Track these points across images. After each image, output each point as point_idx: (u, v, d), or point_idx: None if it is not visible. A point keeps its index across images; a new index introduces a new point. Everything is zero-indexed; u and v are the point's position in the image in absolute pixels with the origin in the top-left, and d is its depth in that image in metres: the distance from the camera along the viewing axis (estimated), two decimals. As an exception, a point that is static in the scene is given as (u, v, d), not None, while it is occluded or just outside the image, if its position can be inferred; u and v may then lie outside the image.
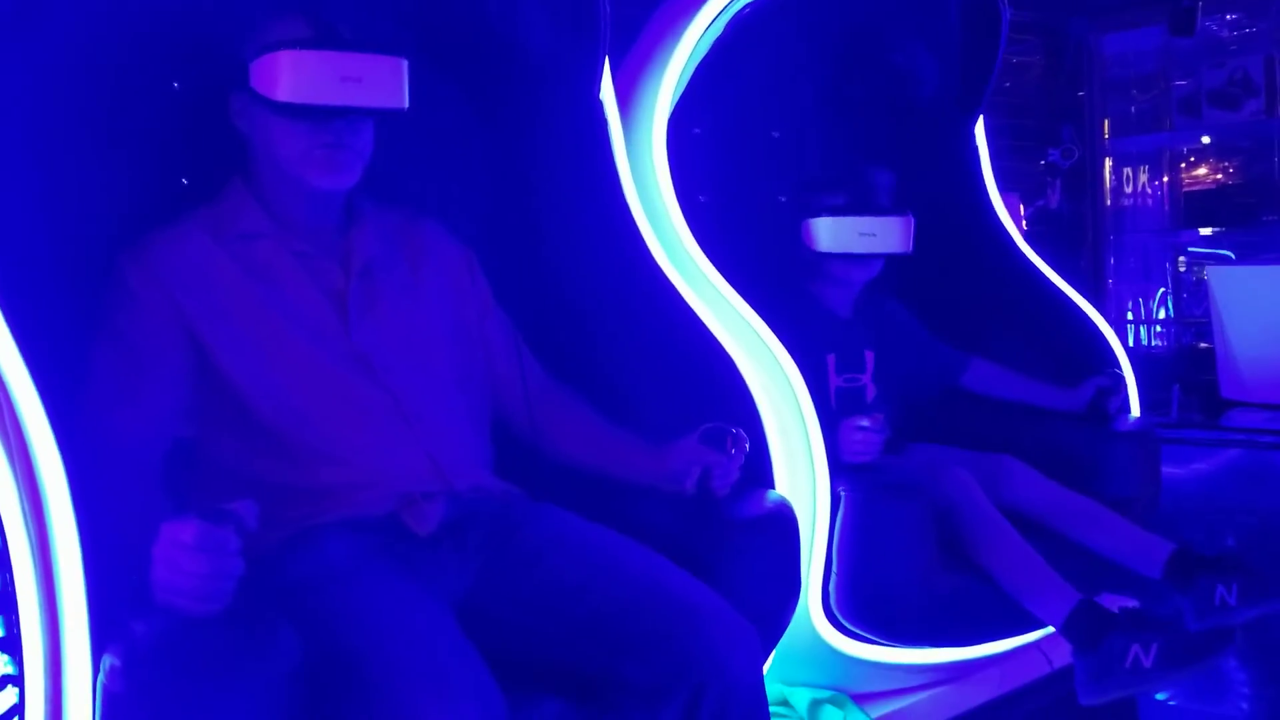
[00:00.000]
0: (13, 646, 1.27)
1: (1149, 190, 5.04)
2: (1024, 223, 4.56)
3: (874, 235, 2.14)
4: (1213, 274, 3.24)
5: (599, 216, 1.82)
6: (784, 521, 1.59)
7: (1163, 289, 4.86)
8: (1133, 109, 4.90)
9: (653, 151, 1.92)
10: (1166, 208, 4.95)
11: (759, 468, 1.69)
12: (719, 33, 2.03)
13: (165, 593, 1.08)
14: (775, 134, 2.52)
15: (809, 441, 1.81)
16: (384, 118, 1.45)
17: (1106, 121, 4.86)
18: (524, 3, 1.75)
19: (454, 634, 1.23)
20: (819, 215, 2.15)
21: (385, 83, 1.41)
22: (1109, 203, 4.90)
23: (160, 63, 1.57)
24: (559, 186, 1.83)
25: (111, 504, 1.16)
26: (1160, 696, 2.49)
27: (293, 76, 1.37)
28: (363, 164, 1.47)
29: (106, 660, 1.04)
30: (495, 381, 1.65)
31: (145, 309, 1.39)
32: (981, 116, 2.63)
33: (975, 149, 2.62)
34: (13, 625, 1.14)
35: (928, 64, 2.58)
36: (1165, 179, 4.96)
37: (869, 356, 2.30)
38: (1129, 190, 5.03)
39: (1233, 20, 4.57)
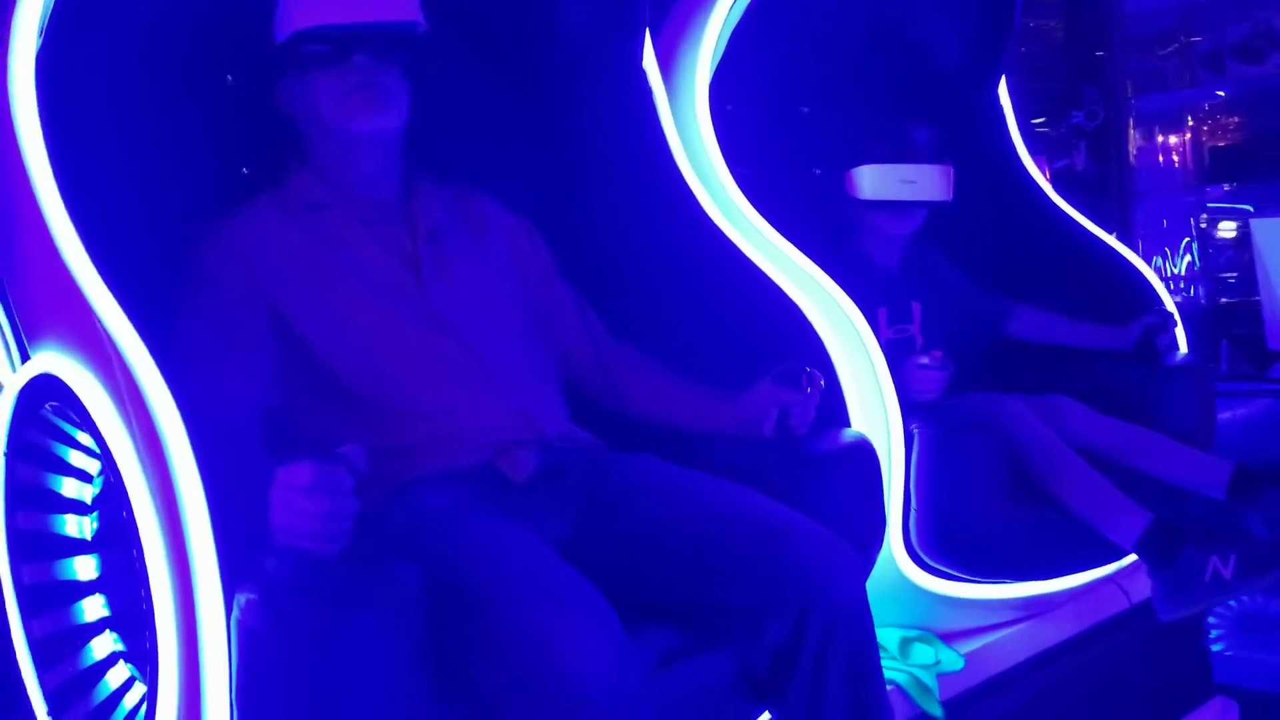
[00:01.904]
0: (124, 624, 1.32)
1: (1173, 148, 5.05)
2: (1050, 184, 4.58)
3: (915, 183, 2.20)
4: (1256, 226, 3.24)
5: (653, 181, 1.85)
6: (865, 453, 1.61)
7: (1189, 238, 4.86)
8: (1155, 67, 4.90)
9: (697, 116, 1.96)
10: (1191, 164, 4.95)
11: (834, 408, 1.71)
12: (746, 4, 2.07)
13: (286, 534, 1.11)
14: (805, 109, 2.56)
15: (879, 381, 1.83)
16: (409, 33, 1.49)
17: (1129, 81, 4.87)
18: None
19: (565, 564, 1.26)
20: (862, 164, 2.18)
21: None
22: (1133, 161, 4.90)
23: (214, 58, 1.63)
24: (610, 155, 1.87)
25: (213, 469, 1.20)
26: (1218, 648, 2.50)
27: (298, 5, 1.45)
28: (400, 106, 1.52)
29: (241, 597, 1.08)
30: (564, 345, 1.68)
31: (226, 286, 1.43)
32: (1004, 78, 2.68)
33: (1000, 110, 2.66)
34: (138, 599, 1.19)
35: (948, 31, 2.61)
36: (1188, 136, 4.96)
37: (916, 308, 2.33)
38: (1153, 148, 5.03)
39: (1255, -29, 4.57)
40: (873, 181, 2.19)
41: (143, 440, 1.14)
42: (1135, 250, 4.89)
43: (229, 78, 1.62)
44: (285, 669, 1.07)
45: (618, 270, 1.84)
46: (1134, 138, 4.91)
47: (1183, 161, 5.01)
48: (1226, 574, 1.76)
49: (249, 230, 1.47)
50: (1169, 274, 4.81)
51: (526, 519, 1.39)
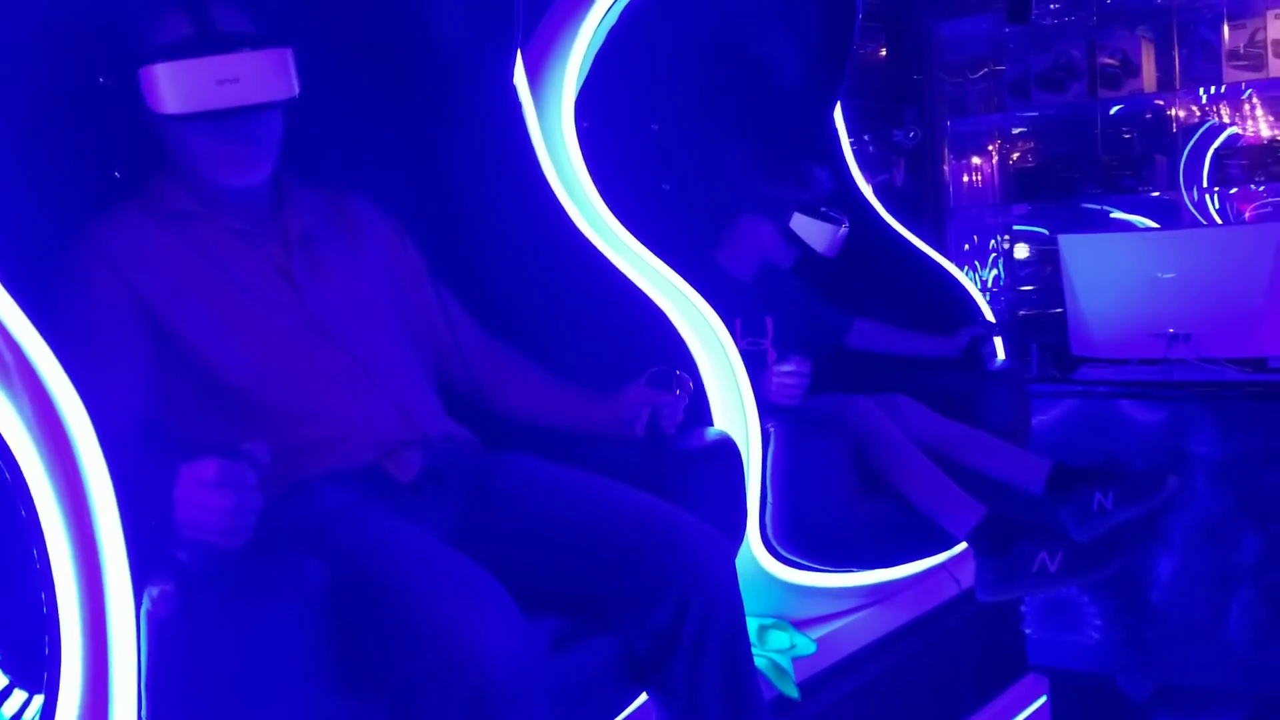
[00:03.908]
0: None
1: (982, 167, 5.41)
2: (870, 200, 4.86)
3: (839, 244, 2.45)
4: (1064, 241, 3.54)
5: (521, 190, 1.92)
6: (728, 450, 1.73)
7: (994, 253, 5.22)
8: (967, 91, 5.24)
9: (563, 130, 2.04)
10: (997, 184, 5.33)
11: (698, 409, 1.81)
12: (613, 21, 2.16)
13: (192, 529, 1.13)
14: (655, 126, 2.66)
15: (738, 384, 1.94)
16: (280, 108, 1.46)
17: (945, 103, 5.20)
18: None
19: (461, 555, 1.32)
20: (807, 212, 2.40)
21: (267, 76, 1.41)
22: (947, 179, 5.24)
23: (88, 59, 1.60)
24: (480, 165, 1.93)
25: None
26: (1026, 630, 2.75)
27: (170, 88, 1.39)
28: (273, 155, 1.52)
29: (151, 590, 1.09)
30: (435, 345, 1.72)
31: (98, 294, 1.42)
32: (839, 102, 2.86)
33: (836, 131, 2.84)
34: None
35: (789, 53, 2.77)
36: (995, 158, 5.33)
37: (769, 322, 2.47)
38: (965, 167, 5.38)
39: (1056, 9, 4.94)
40: (822, 236, 2.42)
41: (44, 436, 1.13)
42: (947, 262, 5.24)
43: (100, 79, 1.59)
44: (195, 660, 1.09)
45: (488, 277, 1.90)
46: (949, 156, 5.25)
47: (989, 181, 5.38)
48: (1052, 568, 1.96)
49: (118, 237, 1.46)
50: (977, 285, 5.16)
51: (413, 517, 1.44)
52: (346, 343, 1.53)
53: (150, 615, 1.09)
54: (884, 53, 4.96)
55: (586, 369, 1.81)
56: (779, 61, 2.77)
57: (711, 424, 1.84)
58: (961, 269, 5.14)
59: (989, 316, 2.73)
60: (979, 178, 5.41)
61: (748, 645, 1.50)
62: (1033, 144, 5.29)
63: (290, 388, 1.47)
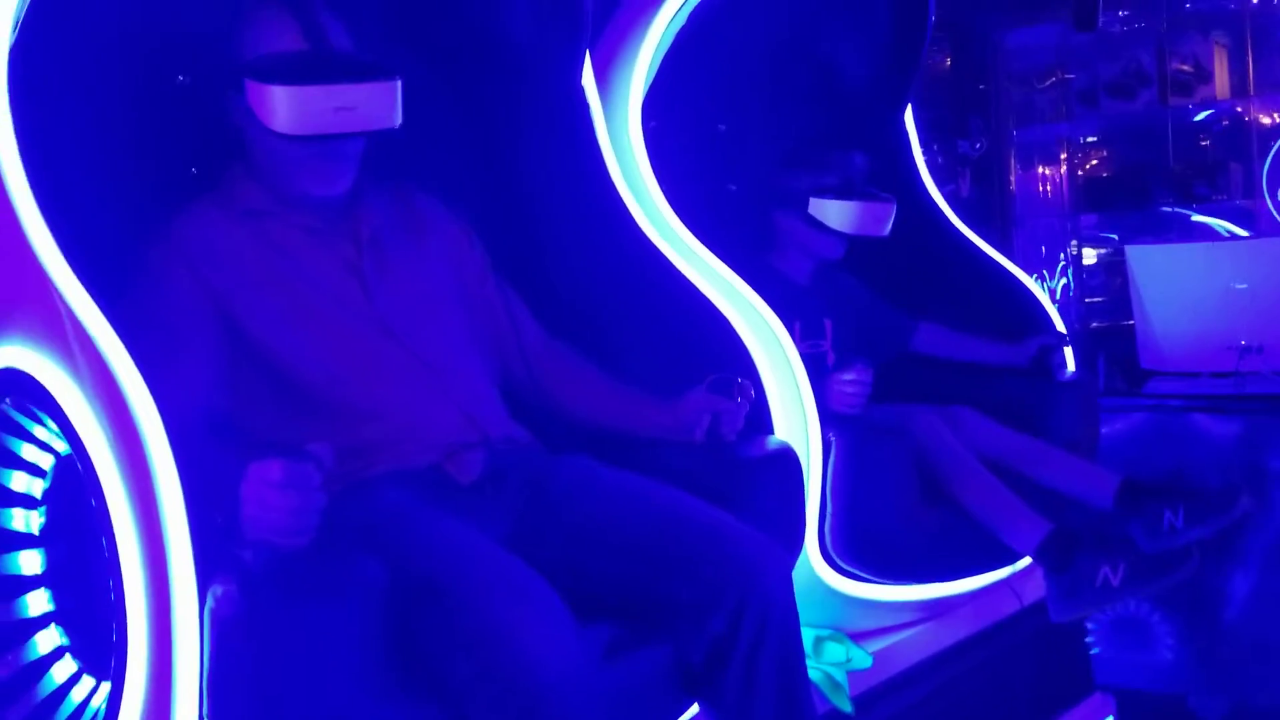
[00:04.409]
0: (70, 619, 1.32)
1: (1050, 177, 5.33)
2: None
3: (876, 220, 2.37)
4: (1132, 252, 3.47)
5: (587, 192, 1.92)
6: (789, 459, 1.71)
7: (1063, 261, 5.13)
8: (1034, 100, 5.17)
9: (629, 133, 2.04)
10: (1066, 193, 5.24)
11: (759, 417, 1.80)
12: (682, 23, 2.15)
13: (256, 528, 1.14)
14: (722, 127, 2.65)
15: (800, 391, 1.92)
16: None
17: (1011, 113, 5.13)
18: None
19: (517, 559, 1.31)
20: (821, 195, 2.33)
21: (380, 107, 1.44)
22: (1014, 189, 5.16)
23: (167, 57, 1.63)
24: (548, 166, 1.93)
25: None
26: (1095, 651, 2.69)
27: (288, 110, 1.40)
28: (356, 167, 1.55)
29: (215, 589, 1.10)
30: (498, 343, 1.73)
31: (174, 288, 1.44)
32: (910, 105, 2.82)
33: (905, 135, 2.80)
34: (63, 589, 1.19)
35: (859, 55, 2.74)
36: (1064, 166, 5.25)
37: (828, 325, 2.44)
38: (1032, 177, 5.31)
39: (1125, 16, 4.85)
40: (843, 215, 2.33)
41: (116, 432, 1.15)
42: (1014, 271, 5.16)
43: (180, 78, 1.62)
44: (258, 658, 1.10)
45: (553, 277, 1.90)
46: (1016, 166, 5.17)
47: (1058, 190, 5.30)
48: (1115, 582, 1.92)
49: (195, 233, 1.48)
50: (1047, 295, 5.07)
51: (471, 519, 1.44)
52: (412, 342, 1.54)
53: (214, 613, 1.10)
54: (949, 62, 4.90)
55: (648, 372, 1.81)
56: (848, 63, 2.74)
57: (773, 432, 1.82)
58: (1039, 278, 5.10)
59: (1059, 326, 2.67)
60: (1047, 188, 5.33)
61: (802, 658, 1.48)
62: (1102, 153, 5.20)
63: (356, 386, 1.48)
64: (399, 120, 1.46)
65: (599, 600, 1.46)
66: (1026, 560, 2.16)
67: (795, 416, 1.92)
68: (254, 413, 1.47)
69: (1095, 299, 4.96)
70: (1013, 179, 5.20)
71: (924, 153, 4.73)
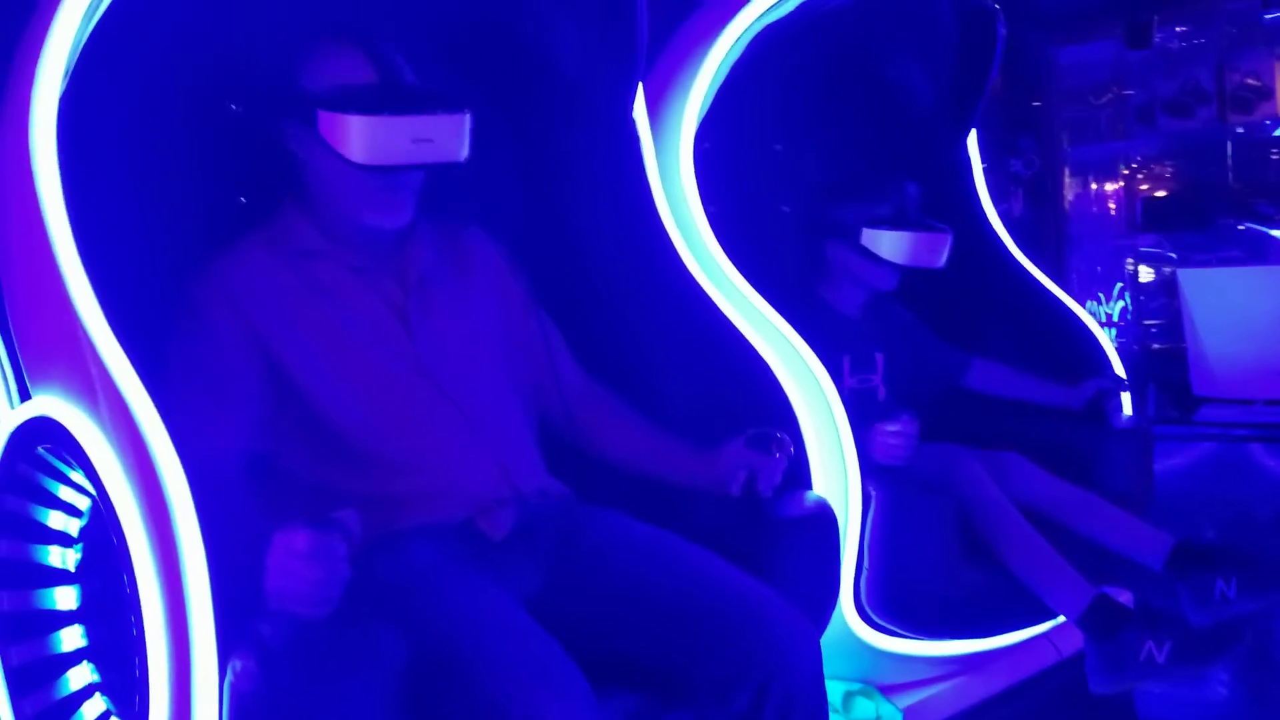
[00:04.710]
0: (102, 656, 1.31)
1: (1106, 196, 5.22)
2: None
3: (930, 250, 2.29)
4: (1183, 276, 3.38)
5: (634, 230, 1.88)
6: (825, 520, 1.66)
7: (1121, 284, 5.02)
8: (1089, 118, 5.06)
9: (680, 167, 1.99)
10: (1124, 213, 5.13)
11: (798, 469, 1.75)
12: (738, 54, 2.10)
13: (280, 598, 1.12)
14: (778, 147, 2.60)
15: (841, 444, 1.88)
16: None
17: (1065, 131, 5.03)
18: (564, 29, 1.81)
19: (541, 630, 1.28)
20: (874, 225, 2.26)
21: (452, 139, 1.43)
22: (1068, 209, 5.06)
23: (219, 85, 1.61)
24: (595, 201, 1.89)
25: (203, 516, 1.20)
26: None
27: (367, 141, 1.39)
28: (416, 200, 1.53)
29: (235, 664, 1.08)
30: (536, 380, 1.69)
31: (217, 329, 1.42)
32: (974, 129, 2.75)
33: (968, 160, 2.73)
34: (115, 631, 1.18)
35: (923, 79, 2.67)
36: (1122, 185, 5.14)
37: (879, 358, 2.39)
38: (1087, 196, 5.20)
39: (1182, 32, 4.73)
40: (896, 246, 2.26)
41: (141, 487, 1.13)
42: (1070, 294, 5.06)
43: (233, 106, 1.59)
44: (276, 733, 1.08)
45: (598, 316, 1.87)
46: (1070, 185, 5.07)
47: (1116, 210, 5.19)
48: (1160, 659, 1.85)
49: (240, 271, 1.46)
50: (1103, 319, 4.98)
51: (501, 576, 1.41)
52: (452, 390, 1.51)
53: (233, 687, 1.08)
54: (1000, 80, 4.80)
55: (687, 415, 1.77)
56: (913, 86, 2.67)
57: (811, 486, 1.77)
58: (1084, 302, 5.00)
59: (1118, 369, 2.59)
60: (1103, 208, 5.23)
61: (832, 735, 1.45)
62: (1160, 172, 5.08)
63: (393, 436, 1.46)
64: (466, 153, 1.45)
65: (624, 665, 1.43)
66: (1066, 616, 2.10)
67: (835, 466, 1.88)
68: (292, 456, 1.45)
69: (1154, 321, 4.85)
70: (1067, 199, 5.10)
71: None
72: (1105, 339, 2.58)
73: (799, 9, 2.13)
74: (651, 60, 2.05)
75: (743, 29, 2.05)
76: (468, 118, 1.44)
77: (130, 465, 1.14)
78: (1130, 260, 5.01)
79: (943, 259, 2.32)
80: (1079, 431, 2.41)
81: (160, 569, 1.12)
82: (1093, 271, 5.09)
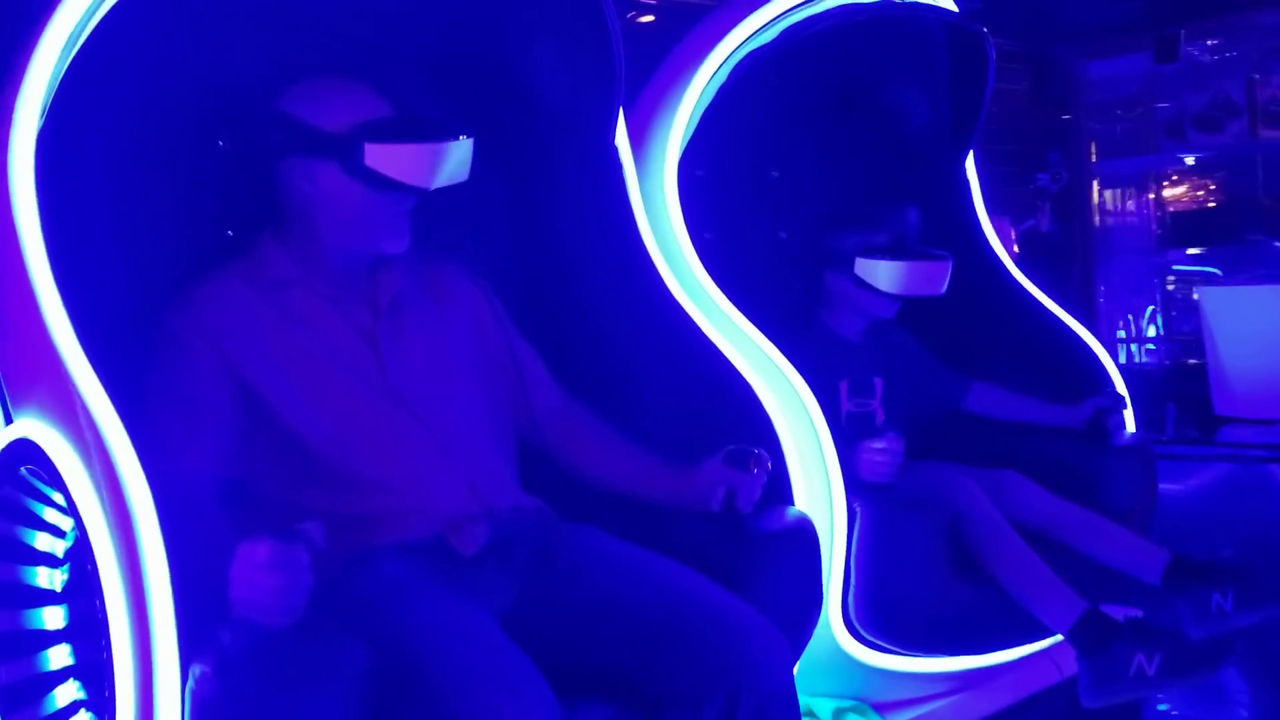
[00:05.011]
0: (88, 674, 1.37)
1: (1136, 211, 5.18)
2: (1015, 245, 4.70)
3: (927, 279, 2.30)
4: (1204, 294, 3.35)
5: (616, 253, 1.92)
6: (805, 534, 1.68)
7: (1152, 307, 4.98)
8: (1118, 132, 5.03)
9: (664, 192, 2.03)
10: (1154, 228, 5.08)
11: (778, 486, 1.77)
12: (723, 80, 2.14)
13: (243, 607, 1.16)
14: (774, 174, 2.63)
15: (824, 459, 1.90)
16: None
17: (1093, 145, 5.00)
18: (543, 58, 1.86)
19: (508, 642, 1.32)
20: (871, 255, 2.27)
21: (464, 162, 1.57)
22: (1097, 223, 5.03)
23: (203, 121, 1.67)
24: (578, 227, 1.93)
25: (174, 539, 1.25)
26: (1162, 707, 2.58)
27: (416, 166, 1.52)
28: None
29: (195, 669, 1.13)
30: (516, 405, 1.74)
31: (192, 358, 1.48)
32: (971, 150, 2.76)
33: (966, 182, 2.73)
34: (101, 650, 1.24)
35: (918, 103, 2.69)
36: (1152, 199, 5.10)
37: (878, 383, 2.40)
38: (1116, 211, 5.16)
39: (1213, 45, 4.70)
40: (892, 276, 2.27)
41: (112, 509, 1.19)
42: (1097, 312, 5.02)
43: (220, 142, 1.66)
44: (235, 740, 1.12)
45: (580, 339, 1.90)
46: (1106, 199, 5.03)
47: (1146, 224, 5.14)
48: (1150, 671, 1.85)
49: (216, 303, 1.52)
50: (1132, 334, 4.93)
51: (474, 591, 1.45)
52: (422, 413, 1.56)
53: (193, 693, 1.12)
54: (1027, 94, 4.80)
55: (669, 435, 1.80)
56: (908, 111, 2.69)
57: (792, 502, 1.79)
58: (1116, 318, 4.95)
59: (1120, 386, 2.58)
60: (1132, 223, 5.19)
61: (801, 750, 1.46)
62: (1190, 186, 5.04)
63: (363, 457, 1.50)
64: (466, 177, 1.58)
65: (596, 677, 1.45)
66: (1065, 634, 2.09)
67: (818, 483, 1.90)
68: (266, 480, 1.50)
69: (1183, 338, 4.80)
70: (1096, 214, 5.07)
71: (1002, 187, 4.66)
72: (1106, 357, 2.57)
73: (783, 35, 2.16)
74: (637, 89, 2.10)
75: (725, 56, 2.09)
76: (471, 143, 1.56)
77: (99, 481, 1.19)
78: (1170, 277, 4.97)
79: (942, 286, 2.33)
80: (1080, 450, 2.41)
81: (126, 579, 1.17)
82: (1122, 288, 5.05)
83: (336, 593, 1.36)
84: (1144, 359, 4.88)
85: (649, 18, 3.16)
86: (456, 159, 1.55)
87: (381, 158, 1.50)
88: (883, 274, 2.28)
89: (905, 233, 2.33)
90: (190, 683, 1.13)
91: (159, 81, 1.58)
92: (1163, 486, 2.59)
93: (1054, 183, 4.91)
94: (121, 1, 1.39)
